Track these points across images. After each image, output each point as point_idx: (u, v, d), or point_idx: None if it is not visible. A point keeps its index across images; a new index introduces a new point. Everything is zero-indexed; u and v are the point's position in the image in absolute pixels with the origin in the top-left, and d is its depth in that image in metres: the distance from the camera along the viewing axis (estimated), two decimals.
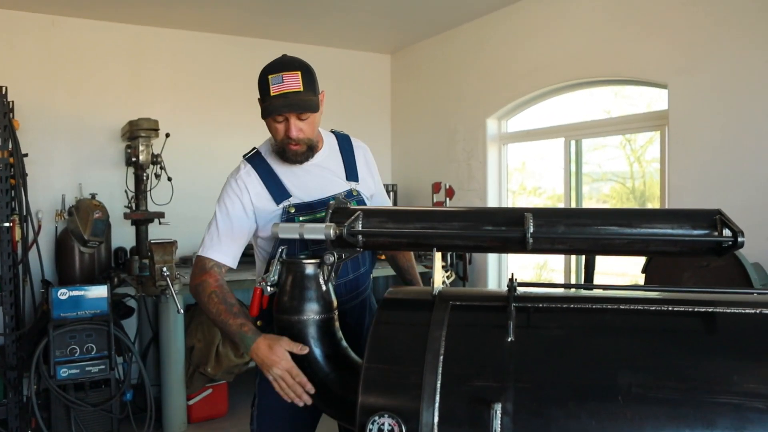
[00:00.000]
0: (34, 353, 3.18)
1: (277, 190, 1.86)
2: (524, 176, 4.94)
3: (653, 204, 4.18)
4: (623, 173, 4.42)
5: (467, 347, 1.32)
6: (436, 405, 1.24)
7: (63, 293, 3.32)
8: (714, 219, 1.35)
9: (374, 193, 2.06)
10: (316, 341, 1.57)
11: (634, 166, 4.40)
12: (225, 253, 1.85)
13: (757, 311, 1.28)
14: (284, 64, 1.79)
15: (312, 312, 1.57)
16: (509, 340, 1.28)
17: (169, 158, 4.21)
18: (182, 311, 3.19)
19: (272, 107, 1.74)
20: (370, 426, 1.24)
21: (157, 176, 4.16)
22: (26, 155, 3.60)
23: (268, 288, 1.65)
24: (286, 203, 1.84)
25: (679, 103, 3.25)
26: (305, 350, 1.55)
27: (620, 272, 4.11)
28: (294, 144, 1.80)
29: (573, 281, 4.16)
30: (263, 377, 1.74)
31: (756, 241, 2.80)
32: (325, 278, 1.59)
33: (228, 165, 5.44)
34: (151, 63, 4.82)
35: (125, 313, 4.10)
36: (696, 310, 1.30)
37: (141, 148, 4.04)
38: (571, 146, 4.12)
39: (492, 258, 4.68)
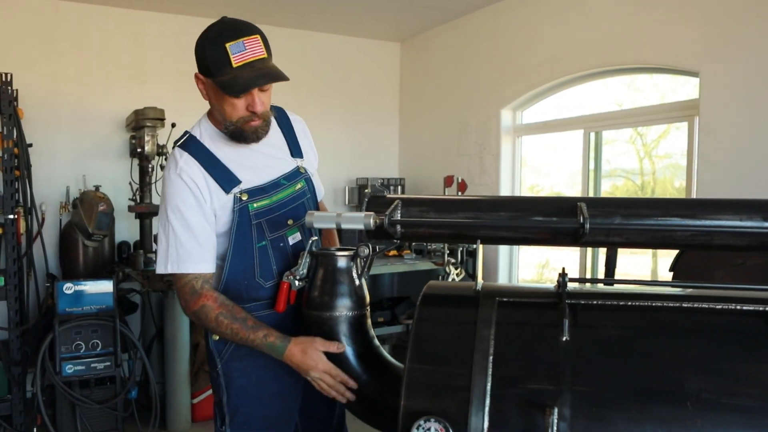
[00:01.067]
0: (40, 349, 3.09)
1: (224, 176, 1.63)
2: (537, 171, 4.84)
3: None
4: (633, 170, 4.33)
5: (518, 347, 1.22)
6: (486, 409, 1.14)
7: (69, 288, 3.22)
8: None
9: (314, 173, 1.87)
10: (348, 339, 1.47)
11: (644, 161, 4.32)
12: (203, 260, 1.61)
13: None
14: (238, 28, 1.55)
15: (344, 308, 1.47)
16: (564, 339, 1.19)
17: None
18: None
19: (243, 81, 1.51)
20: (415, 430, 1.14)
21: (163, 167, 4.05)
22: (30, 145, 3.50)
23: (297, 282, 1.55)
24: (236, 190, 1.62)
25: (711, 93, 3.13)
26: (342, 349, 1.46)
27: (638, 273, 4.02)
28: (255, 119, 1.59)
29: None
30: (232, 394, 1.68)
31: None
32: (359, 272, 1.50)
33: None
34: (157, 50, 4.70)
35: (129, 308, 4.01)
36: (765, 309, 1.21)
37: (146, 138, 3.94)
38: (590, 138, 4.02)
39: (503, 255, 4.59)
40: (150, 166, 4.00)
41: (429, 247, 4.59)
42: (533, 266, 4.97)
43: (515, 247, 4.61)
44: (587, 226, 1.28)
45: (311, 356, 1.47)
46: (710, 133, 3.15)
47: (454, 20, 4.97)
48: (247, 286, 1.64)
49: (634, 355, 1.18)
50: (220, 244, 1.66)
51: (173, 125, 4.02)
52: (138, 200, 4.03)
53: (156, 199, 4.08)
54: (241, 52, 1.51)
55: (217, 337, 1.69)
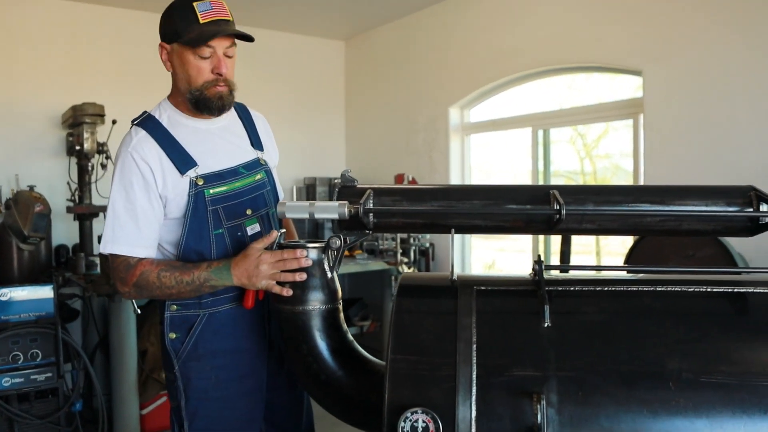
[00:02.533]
0: None
1: (180, 157, 1.59)
2: (486, 169, 4.90)
3: None
4: (574, 170, 4.45)
5: (501, 335, 1.21)
6: (473, 398, 1.13)
7: (3, 294, 3.02)
8: (749, 195, 1.30)
9: (274, 168, 1.85)
10: (322, 334, 1.42)
11: (585, 161, 4.44)
12: (140, 244, 1.57)
13: None
14: None
15: (317, 302, 1.42)
16: (546, 325, 1.18)
17: (116, 147, 3.93)
18: (139, 311, 2.95)
19: (208, 32, 1.53)
20: (402, 423, 1.11)
21: (104, 166, 3.87)
22: None
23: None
24: (192, 173, 1.58)
25: (654, 90, 3.26)
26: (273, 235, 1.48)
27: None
28: (221, 84, 1.59)
29: None
30: (190, 397, 1.62)
31: None
32: (331, 265, 1.45)
33: None
34: (95, 44, 4.49)
35: (70, 316, 3.80)
36: (737, 290, 1.24)
37: (85, 135, 3.75)
38: (539, 136, 4.10)
39: (456, 252, 4.62)
40: (90, 164, 3.81)
41: (381, 246, 4.56)
42: (482, 267, 5.03)
43: (467, 248, 4.65)
44: (563, 212, 1.29)
45: (251, 254, 1.47)
46: (655, 130, 3.26)
47: (400, 19, 4.98)
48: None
49: (614, 338, 1.19)
50: (174, 230, 1.62)
51: (114, 122, 3.85)
52: (77, 200, 3.84)
53: (97, 200, 3.90)
54: (207, 10, 1.54)
55: (174, 335, 1.62)
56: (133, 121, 1.67)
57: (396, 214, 1.39)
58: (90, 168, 3.83)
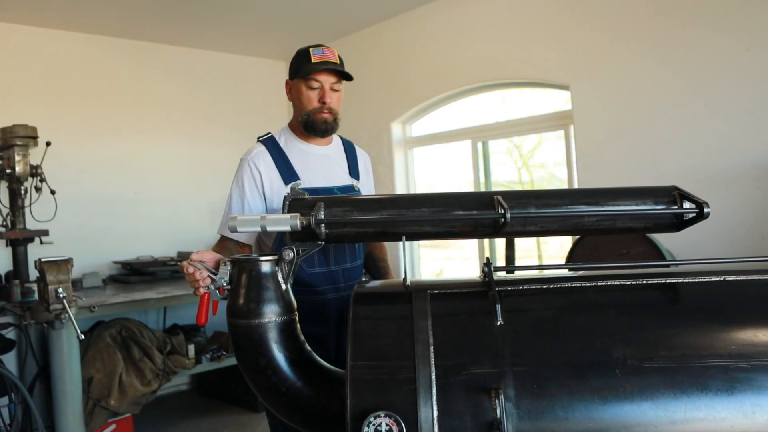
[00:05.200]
0: None
1: (287, 170, 1.97)
2: (430, 181, 4.99)
3: None
4: (512, 180, 4.60)
5: (456, 335, 1.25)
6: (434, 398, 1.16)
7: None
8: (673, 194, 1.40)
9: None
10: (279, 346, 1.42)
11: (522, 171, 4.60)
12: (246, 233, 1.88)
13: (722, 279, 1.33)
14: (322, 45, 2.03)
15: (273, 314, 1.42)
16: (499, 324, 1.23)
17: (51, 169, 3.81)
18: (82, 337, 2.85)
19: (315, 68, 1.94)
20: (366, 428, 1.13)
21: (38, 189, 3.74)
22: None
23: (218, 292, 1.48)
24: (293, 185, 1.91)
25: (581, 103, 3.44)
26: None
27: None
28: (325, 112, 1.97)
29: None
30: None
31: None
32: (285, 277, 1.46)
33: (120, 175, 5.07)
34: (26, 65, 4.33)
35: (5, 346, 3.61)
36: (669, 281, 1.33)
37: (17, 158, 3.62)
38: (478, 148, 4.21)
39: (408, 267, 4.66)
40: (23, 188, 3.67)
41: None
42: (431, 275, 5.10)
43: (416, 257, 4.72)
44: (508, 215, 1.35)
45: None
46: (585, 139, 3.44)
47: (340, 39, 5.04)
48: None
49: (563, 332, 1.25)
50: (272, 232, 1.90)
51: (48, 144, 3.73)
52: (10, 226, 3.68)
53: (32, 224, 3.75)
54: (319, 54, 1.97)
55: None
56: (258, 138, 2.10)
57: (347, 224, 1.42)
58: (23, 192, 3.69)
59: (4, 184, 3.77)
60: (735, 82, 2.92)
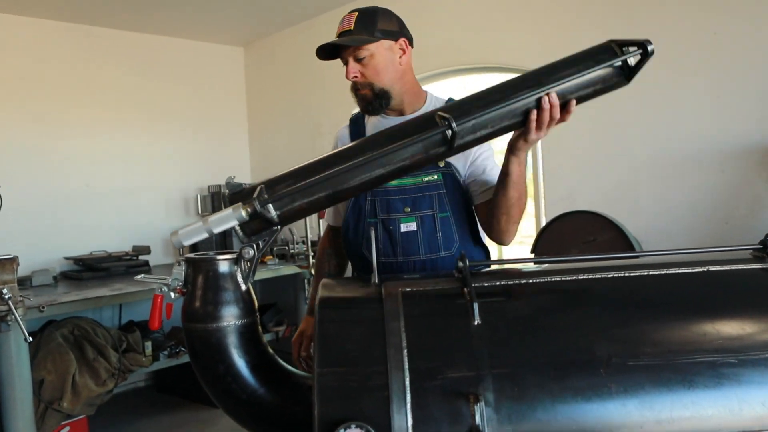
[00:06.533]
0: None
1: None
2: None
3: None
4: None
5: (431, 337, 1.17)
6: (408, 405, 1.07)
7: None
8: (610, 47, 1.40)
9: (477, 170, 1.77)
10: (239, 351, 1.33)
11: None
12: (339, 215, 1.87)
13: (705, 269, 1.28)
14: (354, 9, 1.77)
15: (232, 317, 1.32)
16: (476, 323, 1.16)
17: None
18: (30, 339, 2.68)
19: (321, 45, 1.71)
20: None
21: None
22: None
23: (172, 294, 1.37)
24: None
25: None
26: None
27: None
28: (360, 89, 1.73)
29: None
30: None
31: (630, 217, 2.98)
32: (244, 276, 1.36)
33: (70, 169, 4.86)
34: None
35: None
36: (651, 273, 1.27)
37: None
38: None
39: None
40: None
41: (292, 251, 4.45)
42: None
43: None
44: (454, 125, 1.29)
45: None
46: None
47: (300, 23, 4.88)
48: (355, 254, 1.80)
49: (543, 330, 1.18)
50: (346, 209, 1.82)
51: None
52: None
53: None
54: (339, 25, 1.74)
55: None
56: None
57: (296, 196, 1.32)
58: None
59: None
60: (701, 65, 2.91)
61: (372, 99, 1.73)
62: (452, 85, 4.23)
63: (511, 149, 1.52)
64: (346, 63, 1.73)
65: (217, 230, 1.31)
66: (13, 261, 2.76)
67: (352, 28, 1.70)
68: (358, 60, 1.71)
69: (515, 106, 1.34)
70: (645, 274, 1.28)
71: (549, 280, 1.28)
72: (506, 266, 1.45)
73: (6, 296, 2.65)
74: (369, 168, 1.33)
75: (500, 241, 1.72)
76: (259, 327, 1.39)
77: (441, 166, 1.73)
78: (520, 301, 1.25)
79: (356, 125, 1.88)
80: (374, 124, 1.82)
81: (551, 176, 3.45)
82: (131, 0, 4.12)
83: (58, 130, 4.41)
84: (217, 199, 4.82)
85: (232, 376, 1.31)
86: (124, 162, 4.73)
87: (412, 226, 1.71)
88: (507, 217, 1.63)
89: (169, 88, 4.99)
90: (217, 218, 1.30)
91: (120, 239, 4.56)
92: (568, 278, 1.27)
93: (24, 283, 3.66)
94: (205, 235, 1.31)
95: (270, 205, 1.30)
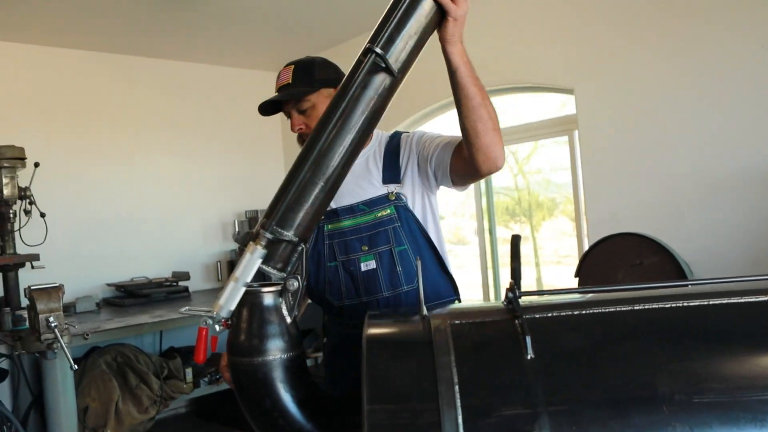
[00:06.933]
0: None
1: None
2: None
3: (541, 214, 4.28)
4: (508, 186, 4.51)
5: (483, 372, 1.13)
6: None
7: None
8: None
9: (427, 151, 1.73)
10: (285, 385, 1.30)
11: (518, 177, 4.51)
12: None
13: None
14: (290, 62, 1.80)
15: (277, 350, 1.30)
16: (529, 357, 1.11)
17: (41, 192, 3.68)
18: (75, 367, 2.72)
19: (263, 102, 1.77)
20: None
21: (27, 213, 3.61)
22: None
23: (217, 327, 1.36)
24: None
25: (586, 107, 3.33)
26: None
27: (550, 284, 4.15)
28: (303, 140, 1.72)
29: (492, 296, 4.14)
30: None
31: (677, 238, 2.89)
32: (289, 309, 1.34)
33: (113, 195, 4.93)
34: (8, 84, 4.21)
35: None
36: (712, 303, 1.21)
37: (5, 180, 3.49)
38: None
39: None
40: (11, 211, 3.54)
41: None
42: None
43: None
44: (375, 48, 1.35)
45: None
46: (590, 144, 3.34)
47: (334, 47, 4.93)
48: (321, 300, 1.79)
49: (600, 364, 1.13)
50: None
51: (36, 165, 3.61)
52: None
53: (22, 248, 3.62)
54: (277, 81, 1.78)
55: None
56: None
57: (294, 206, 1.30)
58: (12, 215, 3.56)
59: None
60: (747, 81, 2.82)
61: None
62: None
63: (444, 41, 1.45)
64: (289, 116, 1.79)
65: (248, 279, 1.29)
66: (58, 289, 2.82)
67: (290, 81, 1.74)
68: (301, 112, 1.75)
69: None
70: (706, 303, 1.22)
71: (603, 310, 1.23)
72: (556, 296, 1.40)
73: (52, 324, 2.70)
74: (340, 139, 1.30)
75: (492, 159, 1.54)
76: (305, 360, 1.36)
77: (392, 199, 1.73)
78: (573, 333, 1.20)
79: None
80: None
81: (593, 196, 3.37)
82: (168, 30, 4.23)
83: (100, 159, 4.53)
84: (254, 224, 4.86)
85: (279, 411, 1.29)
86: (163, 188, 4.82)
87: (372, 264, 1.70)
88: (481, 123, 1.49)
89: (206, 115, 5.08)
90: (242, 268, 1.29)
91: (160, 265, 4.62)
92: (623, 308, 1.22)
93: (68, 309, 3.72)
94: (243, 290, 1.29)
95: (276, 227, 1.28)
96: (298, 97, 1.72)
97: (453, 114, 4.20)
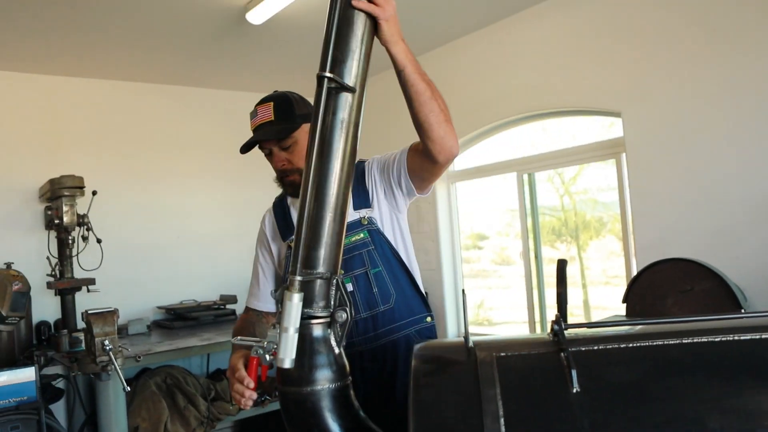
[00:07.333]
0: None
1: (285, 226, 1.88)
2: (472, 211, 4.88)
3: (588, 234, 4.22)
4: (554, 207, 4.46)
5: (528, 405, 1.13)
6: None
7: None
8: None
9: (388, 166, 1.84)
10: (333, 414, 1.33)
11: (564, 198, 4.46)
12: (259, 298, 1.95)
13: None
14: (263, 99, 1.83)
15: (326, 380, 1.33)
16: (574, 391, 1.11)
17: (97, 218, 3.84)
18: (128, 389, 2.82)
19: (253, 136, 1.79)
20: None
21: (84, 239, 3.77)
22: None
23: (267, 356, 1.40)
24: (289, 240, 1.81)
25: (634, 130, 3.30)
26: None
27: (597, 305, 4.09)
28: (288, 175, 1.80)
29: (537, 317, 4.09)
30: None
31: (729, 263, 2.81)
32: (338, 339, 1.37)
33: (163, 220, 5.09)
34: (70, 116, 4.45)
35: (53, 396, 3.62)
36: (764, 336, 1.19)
37: (65, 208, 3.66)
38: (524, 180, 4.10)
39: (449, 302, 4.54)
40: (70, 237, 3.70)
41: None
42: (473, 307, 4.96)
43: (460, 292, 4.58)
44: (325, 74, 1.23)
45: (233, 363, 1.54)
46: (638, 168, 3.29)
47: (379, 73, 5.00)
48: None
49: (648, 398, 1.12)
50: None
51: (94, 193, 3.77)
52: (58, 275, 3.71)
53: (79, 273, 3.77)
54: (254, 118, 1.81)
55: None
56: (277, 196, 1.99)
57: (313, 243, 1.32)
58: (70, 241, 3.72)
59: (53, 234, 3.81)
60: None
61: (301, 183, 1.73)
62: (534, 128, 4.19)
63: (385, 43, 1.48)
64: (269, 153, 1.80)
65: (296, 325, 1.28)
66: (113, 313, 2.93)
67: (273, 118, 1.75)
68: (284, 148, 1.77)
69: (348, 14, 1.34)
70: (758, 337, 1.19)
71: (651, 344, 1.22)
72: (602, 328, 1.39)
73: (107, 347, 2.81)
74: (331, 166, 1.32)
75: (447, 148, 1.60)
76: (351, 390, 1.39)
77: (365, 224, 1.77)
78: (620, 367, 1.19)
79: (281, 208, 1.93)
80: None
81: (641, 220, 3.31)
82: (214, 61, 4.38)
83: (151, 185, 4.70)
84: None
85: None
86: (211, 213, 4.96)
87: (349, 287, 1.74)
88: (433, 115, 1.56)
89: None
90: (287, 317, 1.28)
91: (208, 288, 4.74)
92: (671, 342, 1.21)
93: (121, 332, 3.85)
94: (296, 338, 1.29)
95: (303, 270, 1.30)
96: (285, 135, 1.75)
97: (496, 138, 4.23)
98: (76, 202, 3.71)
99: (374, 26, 1.40)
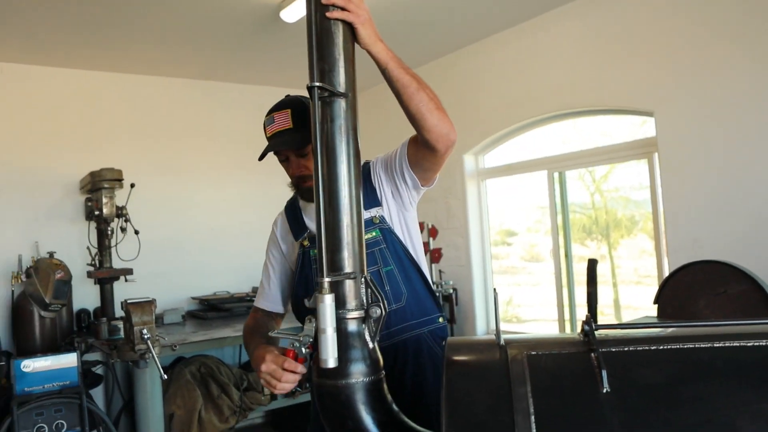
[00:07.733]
0: None
1: (297, 225, 1.89)
2: (502, 208, 4.88)
3: (619, 232, 4.19)
4: (584, 204, 4.43)
5: (558, 404, 1.16)
6: None
7: (26, 365, 2.98)
8: None
9: (389, 161, 1.83)
10: (367, 407, 1.37)
11: (595, 196, 4.43)
12: (268, 299, 1.94)
13: None
14: (278, 104, 1.80)
15: (360, 374, 1.38)
16: (604, 391, 1.14)
17: (135, 210, 3.95)
18: (165, 376, 2.91)
19: (270, 145, 1.78)
20: None
21: (123, 230, 3.89)
22: None
23: (304, 349, 1.45)
24: (302, 239, 1.84)
25: (667, 129, 3.26)
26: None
27: (628, 304, 4.06)
28: (306, 181, 1.79)
29: (567, 315, 4.08)
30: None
31: (762, 264, 2.78)
32: (372, 335, 1.42)
33: (198, 213, 5.20)
34: (110, 110, 4.58)
35: (93, 382, 3.75)
36: None
37: (104, 200, 3.78)
38: (554, 178, 4.09)
39: (479, 298, 4.56)
40: (109, 228, 3.82)
41: None
42: (501, 303, 4.97)
43: (489, 288, 4.60)
44: (314, 84, 1.24)
45: (260, 354, 1.53)
46: (671, 168, 3.26)
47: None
48: None
49: (679, 401, 1.14)
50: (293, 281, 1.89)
51: (132, 185, 3.88)
52: (98, 265, 3.84)
53: (117, 263, 3.89)
54: (270, 125, 1.77)
55: None
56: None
57: (337, 247, 1.36)
58: (110, 232, 3.84)
59: (93, 225, 3.94)
60: None
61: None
62: (565, 126, 4.18)
63: (365, 46, 1.50)
64: (285, 159, 1.80)
65: (333, 325, 1.31)
66: (151, 303, 3.03)
67: (291, 126, 1.73)
68: (302, 155, 1.77)
69: (326, 26, 1.39)
70: None
71: (681, 346, 1.23)
72: (633, 330, 1.40)
73: (145, 336, 2.90)
74: (338, 170, 1.36)
75: (444, 135, 1.62)
76: (385, 384, 1.43)
77: (376, 222, 1.79)
78: (651, 369, 1.20)
79: (292, 210, 1.93)
80: (311, 206, 1.82)
81: (674, 221, 3.29)
82: (249, 58, 4.47)
83: (186, 178, 4.81)
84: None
85: None
86: (244, 205, 5.05)
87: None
88: (423, 104, 1.58)
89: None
90: (322, 319, 1.31)
91: (240, 279, 4.84)
92: (702, 345, 1.22)
93: (157, 321, 3.95)
94: (335, 337, 1.32)
95: (330, 273, 1.32)
96: (306, 144, 1.73)
97: (526, 136, 4.21)
98: (115, 194, 3.83)
99: (352, 32, 1.45)
